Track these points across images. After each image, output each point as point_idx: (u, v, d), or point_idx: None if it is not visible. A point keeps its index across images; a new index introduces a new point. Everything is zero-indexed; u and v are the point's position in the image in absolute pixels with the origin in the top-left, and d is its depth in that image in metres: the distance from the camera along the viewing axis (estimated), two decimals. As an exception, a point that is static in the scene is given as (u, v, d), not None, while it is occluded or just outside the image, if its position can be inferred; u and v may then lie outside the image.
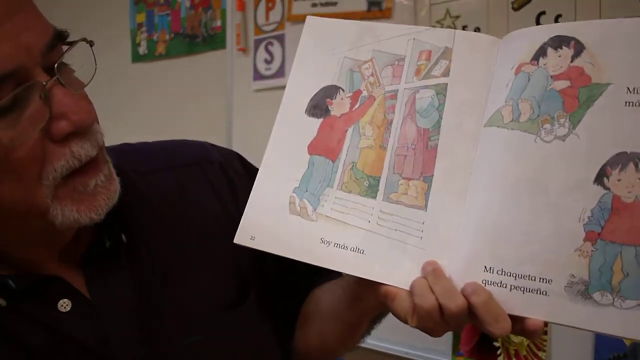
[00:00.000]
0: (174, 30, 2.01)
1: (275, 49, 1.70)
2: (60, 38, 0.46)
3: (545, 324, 0.51)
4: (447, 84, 0.54)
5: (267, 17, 1.72)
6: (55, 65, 0.45)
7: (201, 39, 1.93)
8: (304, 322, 0.68)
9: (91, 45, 0.49)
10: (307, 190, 0.55)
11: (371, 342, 1.45)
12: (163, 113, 2.05)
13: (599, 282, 0.44)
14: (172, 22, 2.01)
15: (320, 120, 0.57)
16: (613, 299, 0.44)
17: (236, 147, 1.86)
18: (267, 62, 1.72)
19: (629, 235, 0.44)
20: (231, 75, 1.82)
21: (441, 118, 0.53)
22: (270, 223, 0.55)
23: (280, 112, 0.59)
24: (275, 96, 1.67)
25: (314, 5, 1.58)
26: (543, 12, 1.23)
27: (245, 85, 1.77)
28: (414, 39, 0.56)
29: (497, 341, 1.28)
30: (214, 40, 1.90)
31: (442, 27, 1.38)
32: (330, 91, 0.58)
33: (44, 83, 0.44)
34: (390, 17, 1.46)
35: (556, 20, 1.21)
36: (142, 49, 2.10)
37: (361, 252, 0.52)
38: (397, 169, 0.53)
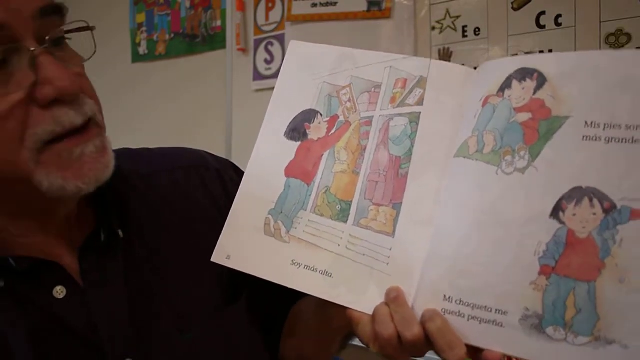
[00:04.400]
0: (174, 30, 2.01)
1: (275, 49, 1.70)
2: (56, 10, 0.48)
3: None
4: (420, 113, 0.54)
5: (267, 17, 1.72)
6: (47, 37, 0.47)
7: (201, 39, 1.93)
8: (286, 334, 0.70)
9: (91, 30, 0.51)
10: (282, 212, 0.56)
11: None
12: (163, 113, 2.06)
13: (553, 317, 0.44)
14: (172, 22, 2.01)
15: (298, 143, 0.58)
16: (566, 335, 0.44)
17: (236, 147, 1.86)
18: (267, 62, 1.72)
19: (582, 271, 0.44)
20: (231, 75, 1.82)
21: (413, 146, 0.54)
22: (245, 243, 0.57)
23: (261, 133, 0.60)
24: (275, 96, 1.67)
25: (314, 5, 1.58)
26: (543, 12, 1.24)
27: (245, 85, 1.77)
28: (390, 66, 0.57)
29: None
30: (214, 40, 1.90)
31: (442, 27, 1.38)
32: (309, 115, 0.59)
33: (32, 49, 0.46)
34: (390, 17, 1.46)
35: (556, 20, 1.21)
36: (142, 49, 2.10)
37: (329, 275, 0.53)
38: (369, 194, 0.54)
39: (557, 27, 1.22)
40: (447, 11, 1.37)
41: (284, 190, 0.57)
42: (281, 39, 1.69)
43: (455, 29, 1.36)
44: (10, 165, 0.47)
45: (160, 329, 0.56)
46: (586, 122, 0.46)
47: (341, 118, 0.58)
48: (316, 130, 0.58)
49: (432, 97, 0.55)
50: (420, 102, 0.55)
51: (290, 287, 0.54)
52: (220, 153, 2.00)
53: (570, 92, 0.47)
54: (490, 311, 0.46)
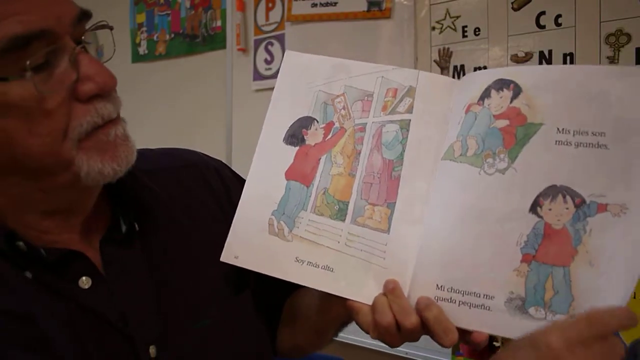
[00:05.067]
0: (174, 30, 2.01)
1: (275, 49, 1.71)
2: (86, 15, 0.53)
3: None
4: (410, 120, 0.60)
5: (267, 17, 1.73)
6: (83, 37, 0.52)
7: (201, 39, 1.94)
8: (283, 324, 0.75)
9: (111, 30, 0.57)
10: (284, 213, 0.61)
11: (371, 341, 1.45)
12: (163, 113, 2.06)
13: (534, 299, 0.51)
14: (172, 22, 2.02)
15: (297, 148, 0.63)
16: (545, 314, 0.50)
17: (236, 147, 1.86)
18: (267, 62, 1.72)
19: (558, 258, 0.51)
20: (231, 75, 1.83)
21: (404, 151, 0.59)
22: (251, 243, 0.61)
23: (260, 139, 0.65)
24: (275, 96, 1.66)
25: (314, 5, 1.58)
26: (543, 12, 1.24)
27: (245, 85, 1.78)
28: (382, 77, 0.62)
29: (497, 341, 1.29)
30: (214, 40, 1.90)
31: (442, 27, 1.38)
32: (306, 122, 0.64)
33: (74, 48, 0.50)
34: (390, 17, 1.46)
35: (556, 20, 1.22)
36: (142, 49, 2.10)
37: (330, 270, 0.58)
38: (364, 195, 0.59)
39: (557, 27, 1.23)
40: (447, 11, 1.38)
41: (285, 192, 0.62)
42: (281, 39, 1.70)
43: (455, 29, 1.37)
44: (54, 156, 0.50)
45: (178, 317, 0.60)
46: (558, 129, 0.53)
47: (336, 125, 0.63)
48: (313, 136, 0.63)
49: (421, 105, 0.60)
50: (409, 110, 0.60)
51: (296, 282, 0.59)
52: (221, 153, 2.00)
53: (543, 101, 0.54)
54: (479, 296, 0.53)
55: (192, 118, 1.98)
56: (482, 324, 0.52)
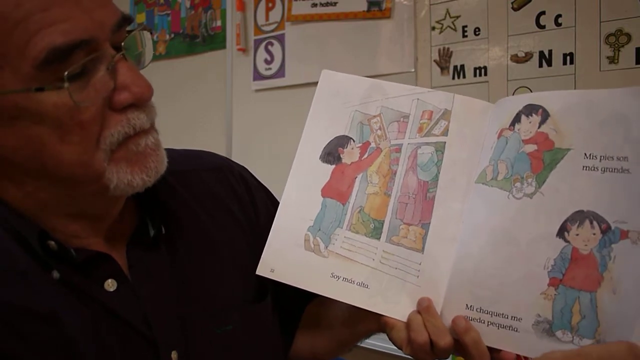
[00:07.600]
0: (174, 30, 2.01)
1: (275, 49, 1.71)
2: (127, 21, 0.52)
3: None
4: (445, 143, 0.62)
5: (267, 17, 1.73)
6: (123, 44, 0.51)
7: (201, 39, 1.94)
8: (302, 330, 0.76)
9: (151, 33, 0.57)
10: (320, 229, 0.63)
11: (371, 342, 1.45)
12: (163, 113, 2.05)
13: (561, 322, 0.52)
14: (172, 22, 2.02)
15: (333, 166, 0.65)
16: (572, 338, 0.51)
17: (236, 147, 1.86)
18: (267, 62, 1.73)
19: (585, 283, 0.52)
20: (231, 75, 1.83)
21: (439, 173, 0.61)
22: (287, 257, 0.63)
23: (297, 156, 0.66)
24: (275, 96, 1.67)
25: (314, 5, 1.59)
26: (543, 12, 1.24)
27: (245, 85, 1.78)
28: (417, 99, 0.64)
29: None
30: (214, 40, 1.91)
31: (442, 27, 1.38)
32: (342, 141, 0.66)
33: (112, 55, 0.49)
34: (390, 17, 1.46)
35: (556, 20, 1.22)
36: (142, 49, 2.10)
37: (366, 286, 0.60)
38: (399, 214, 0.61)
39: (557, 27, 1.23)
40: (447, 11, 1.38)
41: (321, 209, 0.63)
42: (281, 39, 1.70)
43: (455, 29, 1.37)
44: (85, 167, 0.50)
45: (202, 322, 0.60)
46: (585, 154, 0.54)
47: (372, 144, 0.64)
48: (349, 155, 0.65)
49: (456, 128, 0.62)
50: (445, 133, 0.62)
51: (331, 297, 0.61)
52: (220, 153, 1.99)
53: (570, 126, 0.55)
54: (507, 317, 0.54)
55: (192, 118, 1.98)
56: (509, 344, 0.54)
